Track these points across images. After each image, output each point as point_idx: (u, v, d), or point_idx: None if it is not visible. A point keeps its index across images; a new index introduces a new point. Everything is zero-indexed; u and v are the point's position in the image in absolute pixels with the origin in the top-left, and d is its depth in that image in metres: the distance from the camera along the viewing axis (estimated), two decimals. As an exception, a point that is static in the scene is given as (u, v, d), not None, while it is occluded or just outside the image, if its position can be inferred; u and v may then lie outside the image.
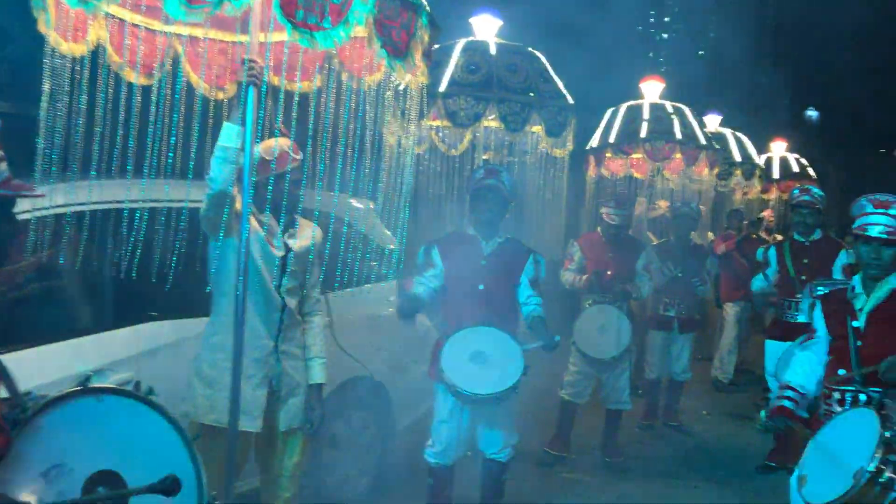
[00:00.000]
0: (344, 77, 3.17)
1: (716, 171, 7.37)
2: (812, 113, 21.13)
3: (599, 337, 5.65)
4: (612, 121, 7.13)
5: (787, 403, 3.51)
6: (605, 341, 5.63)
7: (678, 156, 6.76)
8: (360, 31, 2.72)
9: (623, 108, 7.17)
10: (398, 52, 2.90)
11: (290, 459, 3.55)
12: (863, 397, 3.35)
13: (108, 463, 2.17)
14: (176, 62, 3.29)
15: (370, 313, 4.81)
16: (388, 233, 5.04)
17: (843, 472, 2.97)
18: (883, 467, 2.88)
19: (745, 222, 9.26)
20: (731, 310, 8.58)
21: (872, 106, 15.62)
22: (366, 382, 4.65)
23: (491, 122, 5.63)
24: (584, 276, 5.86)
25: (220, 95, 3.37)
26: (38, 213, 3.25)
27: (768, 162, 11.66)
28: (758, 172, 10.41)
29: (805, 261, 5.66)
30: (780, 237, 9.77)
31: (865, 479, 2.86)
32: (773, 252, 5.98)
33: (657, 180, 7.61)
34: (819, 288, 3.71)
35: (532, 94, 5.55)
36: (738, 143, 10.08)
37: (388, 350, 4.82)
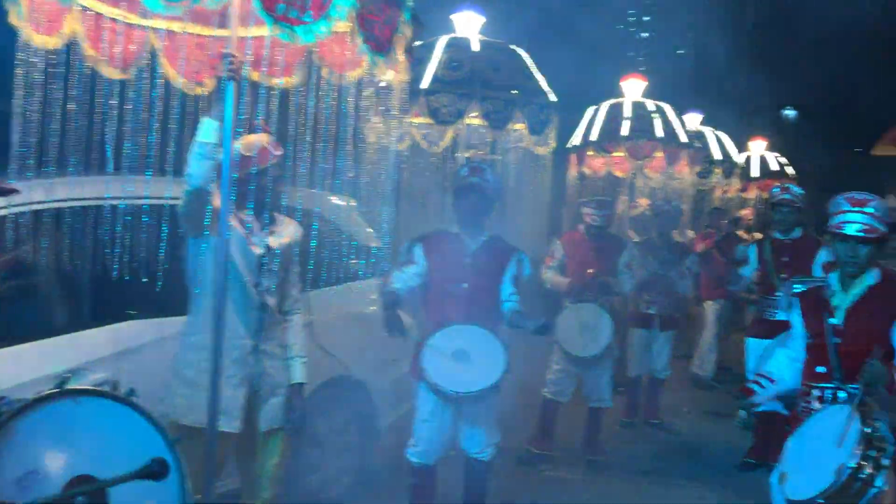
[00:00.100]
0: (324, 73, 3.13)
1: (696, 169, 7.41)
2: (789, 112, 21.31)
3: (581, 335, 5.64)
4: (594, 119, 7.14)
5: (753, 387, 3.60)
6: (587, 339, 5.62)
7: (659, 154, 6.79)
8: (341, 25, 2.68)
9: (604, 106, 7.18)
10: (380, 47, 2.86)
11: (271, 460, 3.51)
12: (842, 394, 3.36)
13: (86, 468, 2.12)
14: (153, 57, 3.23)
15: (351, 312, 4.77)
16: (370, 230, 5.01)
17: (824, 468, 2.99)
18: (864, 463, 2.89)
19: (725, 221, 9.31)
20: (710, 308, 8.61)
21: (849, 106, 15.78)
22: (347, 381, 4.61)
23: (473, 119, 5.61)
24: (567, 280, 5.84)
25: (199, 90, 3.32)
26: (14, 210, 3.19)
27: (747, 160, 11.74)
28: (737, 171, 10.49)
29: (785, 259, 5.69)
30: (759, 235, 9.84)
31: (847, 475, 2.87)
32: (753, 250, 6.00)
33: (638, 178, 7.64)
34: (797, 286, 3.73)
35: (515, 92, 5.54)
36: (718, 142, 10.14)
37: (369, 349, 4.78)
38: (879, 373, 3.10)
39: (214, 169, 3.05)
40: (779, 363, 3.64)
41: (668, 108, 7.17)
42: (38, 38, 2.86)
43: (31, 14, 2.81)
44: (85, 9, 3.02)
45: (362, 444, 4.79)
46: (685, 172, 7.24)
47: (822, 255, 5.45)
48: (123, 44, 3.13)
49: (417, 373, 4.04)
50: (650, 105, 7.07)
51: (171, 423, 3.22)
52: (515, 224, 5.87)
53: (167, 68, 3.25)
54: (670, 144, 6.85)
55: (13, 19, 2.82)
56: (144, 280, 3.19)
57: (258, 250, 3.40)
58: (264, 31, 2.86)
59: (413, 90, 5.19)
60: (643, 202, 8.08)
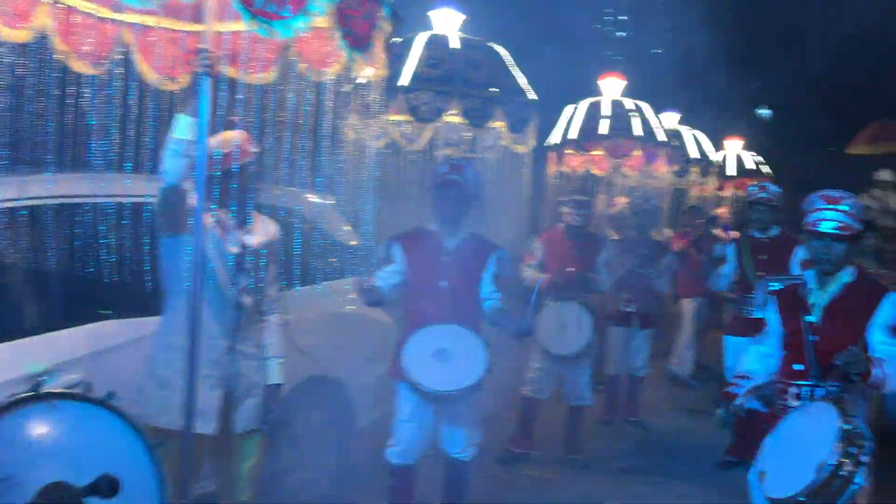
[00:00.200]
0: (301, 69, 3.08)
1: (674, 168, 7.43)
2: (764, 111, 21.49)
3: (561, 333, 5.63)
4: (573, 117, 7.13)
5: (733, 390, 3.61)
6: (566, 338, 5.62)
7: (638, 153, 6.79)
8: (320, 21, 2.64)
9: (583, 104, 7.17)
10: (359, 43, 2.82)
11: (247, 462, 3.47)
12: (820, 392, 3.38)
13: (62, 473, 2.05)
14: (126, 52, 3.16)
15: (330, 311, 4.71)
16: (349, 228, 4.97)
17: (804, 465, 3.00)
18: (844, 460, 2.91)
19: (702, 221, 9.35)
20: (688, 306, 8.65)
21: (824, 105, 15.93)
22: (325, 382, 4.56)
23: (453, 117, 5.58)
24: (544, 276, 5.83)
25: (173, 86, 3.25)
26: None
27: (724, 159, 11.81)
28: (714, 170, 10.55)
29: (763, 257, 5.71)
30: (735, 234, 9.91)
31: (828, 473, 2.88)
32: (731, 248, 6.03)
33: (616, 177, 7.64)
34: (772, 283, 3.75)
35: (494, 90, 5.52)
36: (695, 141, 10.19)
37: (348, 348, 4.73)
38: (857, 357, 3.11)
39: (189, 166, 3.00)
40: (751, 361, 3.66)
41: (646, 106, 7.18)
42: (6, 32, 2.78)
43: (0, 7, 2.74)
44: (56, 2, 2.95)
45: (341, 444, 4.74)
46: (663, 171, 7.26)
47: (800, 253, 5.47)
48: (95, 38, 3.06)
49: (397, 372, 4.00)
50: (629, 104, 7.08)
51: (145, 426, 3.16)
52: (495, 222, 5.84)
53: (141, 64, 3.18)
54: (648, 143, 6.87)
55: (-20, 12, 2.75)
56: (119, 279, 3.13)
57: (234, 249, 3.36)
58: (240, 25, 2.80)
59: (392, 87, 5.15)
60: (621, 201, 8.08)
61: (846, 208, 3.38)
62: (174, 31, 3.28)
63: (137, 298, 3.54)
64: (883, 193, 9.40)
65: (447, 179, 4.14)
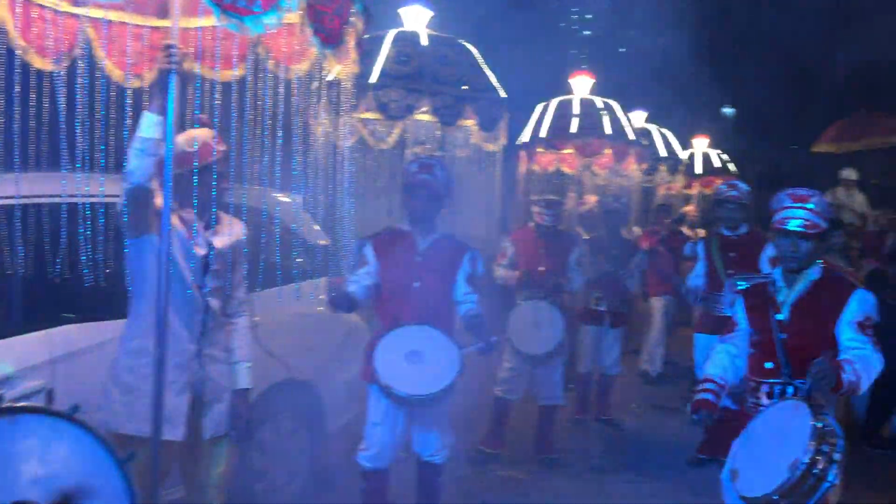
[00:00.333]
0: (270, 65, 3.01)
1: (643, 166, 7.46)
2: (728, 110, 21.77)
3: (533, 333, 5.61)
4: (543, 116, 7.13)
5: (708, 396, 3.55)
6: (538, 337, 5.60)
7: (608, 151, 6.80)
8: (291, 16, 2.57)
9: (553, 102, 7.17)
10: (330, 39, 2.75)
11: (216, 468, 3.38)
12: (791, 390, 3.38)
13: (26, 493, 1.96)
14: (88, 47, 3.06)
15: (299, 313, 4.63)
16: (318, 228, 4.89)
17: (777, 464, 3.00)
18: (818, 458, 2.91)
19: (669, 220, 9.41)
20: (657, 303, 8.70)
21: (787, 103, 16.15)
22: (294, 385, 4.49)
23: (423, 114, 5.53)
24: (516, 273, 5.82)
25: (137, 83, 3.15)
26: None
27: (691, 157, 11.92)
28: (682, 168, 10.63)
29: (732, 255, 5.74)
30: (702, 232, 10.00)
31: (802, 471, 2.88)
32: (701, 246, 6.06)
33: (586, 175, 7.66)
34: (740, 282, 3.76)
35: (465, 87, 5.48)
36: (663, 139, 10.26)
37: (318, 350, 4.67)
38: (825, 372, 3.11)
39: (156, 165, 2.91)
40: (721, 364, 3.64)
41: (615, 105, 7.20)
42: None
43: (-46, 0, 2.64)
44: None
45: (311, 448, 4.67)
46: (632, 169, 7.30)
47: (769, 251, 5.51)
48: (56, 33, 2.95)
49: (369, 375, 3.94)
50: (598, 102, 7.09)
51: (109, 434, 3.08)
52: (465, 221, 5.82)
53: (104, 60, 3.08)
54: (618, 142, 6.88)
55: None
56: (82, 282, 3.03)
57: (201, 250, 3.27)
58: (208, 21, 2.73)
59: (361, 85, 5.09)
60: (591, 199, 8.11)
61: (813, 206, 3.39)
62: (139, 26, 3.18)
63: (101, 301, 3.44)
64: (847, 192, 9.54)
65: (418, 179, 4.08)
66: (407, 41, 5.70)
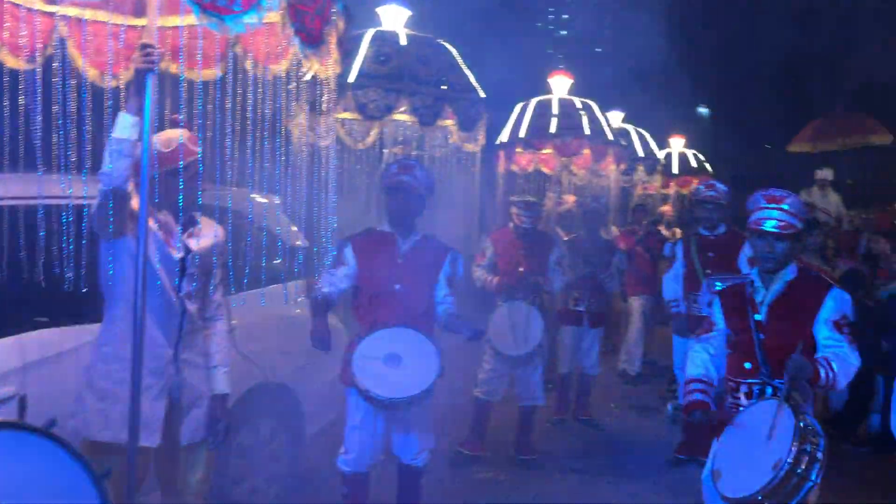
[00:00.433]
0: (248, 65, 2.96)
1: (622, 167, 7.47)
2: (703, 110, 21.94)
3: (512, 334, 5.60)
4: (522, 115, 7.11)
5: (699, 396, 3.55)
6: (517, 338, 5.59)
7: (586, 151, 6.80)
8: (272, 16, 2.53)
9: (532, 102, 7.16)
10: (312, 39, 2.71)
11: (194, 475, 3.33)
12: (769, 389, 3.39)
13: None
14: (62, 46, 2.99)
15: (276, 315, 4.58)
16: (295, 229, 4.84)
17: (760, 464, 3.00)
18: (801, 457, 2.92)
19: (646, 221, 9.45)
20: (635, 303, 8.73)
21: (762, 103, 16.29)
22: (272, 389, 4.44)
23: (402, 115, 5.49)
24: (495, 279, 5.80)
25: (113, 83, 3.09)
26: None
27: (668, 157, 11.98)
28: (659, 168, 10.68)
29: (711, 254, 5.77)
30: (678, 231, 10.05)
31: (786, 470, 2.89)
32: (679, 247, 6.08)
33: (564, 175, 7.66)
34: (717, 283, 3.77)
35: (444, 87, 5.44)
36: (641, 139, 10.30)
37: (296, 354, 4.61)
38: (801, 366, 3.13)
39: (132, 167, 2.85)
40: (703, 364, 3.65)
41: (594, 105, 7.20)
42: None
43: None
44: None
45: (290, 452, 4.62)
46: (610, 170, 7.30)
47: (748, 251, 5.54)
48: (28, 31, 2.88)
49: (348, 378, 3.89)
50: (577, 102, 7.09)
51: (82, 442, 3.02)
52: (444, 221, 5.78)
53: (77, 59, 3.02)
54: (597, 142, 6.88)
55: None
56: (55, 285, 2.97)
57: (178, 253, 3.21)
58: (186, 20, 2.67)
59: (339, 84, 5.02)
60: (570, 199, 8.11)
61: (787, 207, 3.41)
62: (114, 25, 3.11)
63: (75, 305, 3.36)
64: (821, 192, 9.64)
65: (397, 180, 4.05)
66: (385, 41, 5.65)
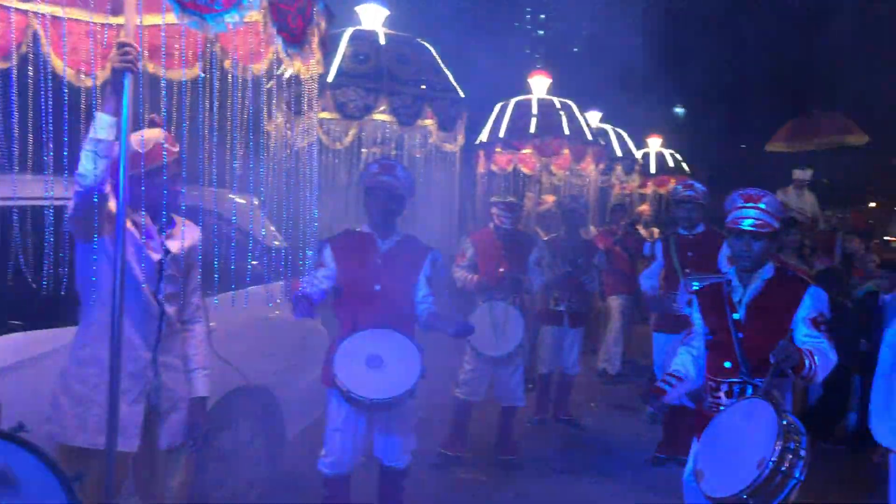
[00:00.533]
0: (227, 65, 2.92)
1: (601, 166, 7.49)
2: (679, 110, 22.14)
3: (493, 334, 5.59)
4: (502, 115, 7.11)
5: (663, 386, 3.58)
6: (499, 338, 5.58)
7: (566, 151, 6.81)
8: (253, 15, 2.49)
9: (512, 102, 7.16)
10: (294, 38, 2.68)
11: (173, 479, 3.27)
12: (750, 388, 3.41)
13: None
14: (37, 44, 2.94)
15: (254, 317, 4.53)
16: (273, 229, 4.79)
17: (743, 463, 3.01)
18: (785, 455, 2.93)
19: (624, 222, 9.49)
20: (614, 303, 8.76)
21: (738, 103, 16.46)
22: (251, 392, 4.39)
23: (381, 114, 5.46)
24: (475, 276, 5.79)
25: (89, 82, 3.03)
26: None
27: (645, 157, 12.03)
28: (637, 167, 10.73)
29: (690, 254, 5.80)
30: (656, 231, 10.11)
31: (770, 469, 2.90)
32: (658, 246, 6.10)
33: (544, 175, 7.67)
34: (694, 283, 3.78)
35: (423, 87, 5.42)
36: (619, 139, 10.34)
37: (275, 355, 4.57)
38: (789, 351, 3.14)
39: (109, 168, 2.80)
40: (684, 361, 3.67)
41: (573, 105, 7.22)
42: None
43: None
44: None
45: (270, 455, 4.58)
46: (590, 169, 7.31)
47: (727, 250, 5.58)
48: (2, 29, 2.82)
49: (328, 380, 3.87)
50: (556, 102, 7.10)
51: (58, 447, 2.96)
52: (424, 221, 5.77)
53: (52, 58, 2.96)
54: (576, 142, 6.89)
55: None
56: (30, 288, 2.91)
57: (156, 255, 3.16)
58: (165, 18, 2.62)
59: (318, 84, 4.99)
60: (549, 199, 8.12)
61: (764, 206, 3.43)
62: (89, 23, 3.06)
63: (50, 308, 3.30)
64: (798, 192, 9.71)
65: (379, 180, 4.02)
66: (364, 40, 5.62)
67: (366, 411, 3.86)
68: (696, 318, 3.66)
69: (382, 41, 5.64)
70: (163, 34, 2.72)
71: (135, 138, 3.03)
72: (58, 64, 2.96)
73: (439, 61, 5.88)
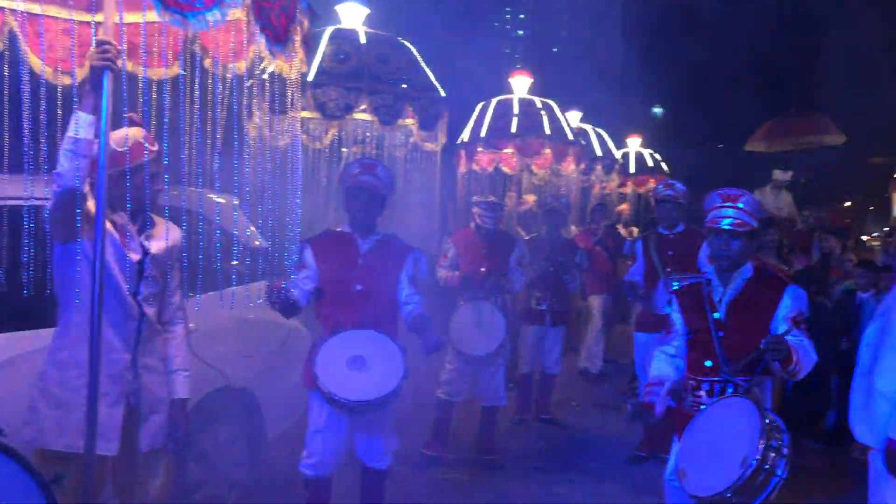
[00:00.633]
0: (207, 63, 2.89)
1: (581, 166, 7.51)
2: (658, 110, 22.28)
3: (475, 334, 5.58)
4: (483, 115, 7.10)
5: (650, 399, 3.58)
6: (480, 338, 5.57)
7: (547, 151, 6.82)
8: (236, 13, 2.46)
9: (493, 102, 7.15)
10: (278, 37, 2.65)
11: (153, 482, 3.23)
12: (730, 387, 3.43)
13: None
14: (13, 41, 2.88)
15: (235, 318, 4.48)
16: (254, 229, 4.76)
17: (726, 461, 3.02)
18: (768, 453, 2.95)
19: (605, 222, 9.52)
20: (595, 302, 8.79)
21: (716, 104, 16.59)
22: (232, 393, 4.35)
23: (362, 114, 5.43)
24: (457, 273, 5.79)
25: (67, 81, 2.98)
26: None
27: (625, 157, 12.08)
28: (617, 167, 10.77)
29: (670, 253, 5.83)
30: (635, 230, 10.16)
31: (753, 467, 2.91)
32: (639, 245, 6.13)
33: (525, 175, 7.67)
34: (674, 283, 3.80)
35: (404, 86, 5.40)
36: (598, 139, 10.37)
37: (256, 356, 4.53)
38: (778, 343, 3.15)
39: (88, 167, 2.76)
40: (660, 365, 3.68)
41: (554, 105, 7.22)
42: None
43: None
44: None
45: (251, 457, 4.54)
46: (570, 169, 7.33)
47: (707, 249, 5.61)
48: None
49: (310, 381, 3.83)
50: (538, 102, 7.10)
51: (36, 452, 2.91)
52: (405, 221, 5.75)
53: (29, 55, 2.91)
54: (557, 141, 6.90)
55: None
56: (6, 289, 2.86)
57: (135, 256, 3.12)
58: (146, 16, 2.58)
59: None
60: (530, 199, 8.13)
61: (742, 206, 3.47)
62: (66, 20, 3.01)
63: (27, 310, 3.25)
64: (775, 192, 9.77)
65: (360, 181, 3.99)
66: (345, 39, 5.58)
67: (348, 413, 3.83)
68: (677, 317, 3.68)
69: (363, 40, 5.60)
70: (143, 32, 2.68)
71: (114, 137, 2.99)
72: (35, 62, 2.91)
73: (420, 60, 5.86)
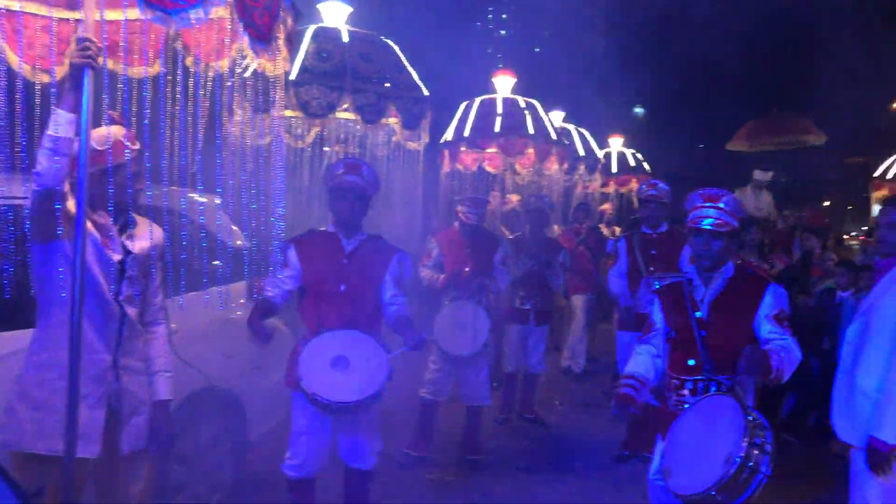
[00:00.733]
0: (189, 62, 2.86)
1: (565, 166, 7.52)
2: (639, 110, 22.38)
3: (458, 333, 5.57)
4: (466, 114, 7.10)
5: (627, 390, 3.58)
6: (464, 338, 5.56)
7: (531, 151, 6.82)
8: (219, 11, 2.44)
9: (477, 101, 7.15)
10: (261, 35, 2.63)
11: (135, 485, 3.20)
12: (713, 385, 3.44)
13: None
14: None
15: (217, 318, 4.45)
16: (236, 229, 4.72)
17: (710, 460, 3.03)
18: (752, 451, 2.96)
19: (588, 222, 9.54)
20: (578, 301, 8.81)
21: (698, 104, 16.68)
22: (214, 394, 4.32)
23: (345, 112, 5.40)
24: (442, 276, 5.78)
25: (46, 78, 2.94)
26: None
27: (607, 157, 12.12)
28: (599, 167, 10.80)
29: (653, 252, 5.86)
30: (617, 230, 10.20)
31: (738, 465, 2.92)
32: (622, 244, 6.15)
33: (508, 175, 7.67)
34: (655, 283, 3.82)
35: (387, 85, 5.38)
36: (581, 139, 10.40)
37: (239, 357, 4.50)
38: (755, 359, 3.17)
39: (68, 166, 2.72)
40: (643, 363, 3.68)
41: (537, 104, 7.23)
42: None
43: None
44: None
45: (233, 458, 4.51)
46: (554, 169, 7.33)
47: (689, 249, 5.63)
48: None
49: (293, 382, 3.81)
50: (521, 102, 7.10)
51: (14, 455, 2.87)
52: (387, 220, 5.73)
53: (7, 52, 2.87)
54: (540, 141, 6.90)
55: None
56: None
57: (116, 256, 3.08)
58: (129, 13, 2.56)
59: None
60: (514, 198, 8.14)
61: (723, 206, 3.48)
62: (45, 17, 2.97)
63: (5, 311, 3.20)
64: (755, 192, 9.86)
65: (345, 180, 3.97)
66: (327, 37, 5.56)
67: (332, 414, 3.81)
68: (659, 317, 3.69)
69: (346, 39, 5.58)
70: (124, 30, 2.65)
71: (95, 136, 2.96)
72: (13, 59, 2.87)
73: (403, 59, 5.85)
